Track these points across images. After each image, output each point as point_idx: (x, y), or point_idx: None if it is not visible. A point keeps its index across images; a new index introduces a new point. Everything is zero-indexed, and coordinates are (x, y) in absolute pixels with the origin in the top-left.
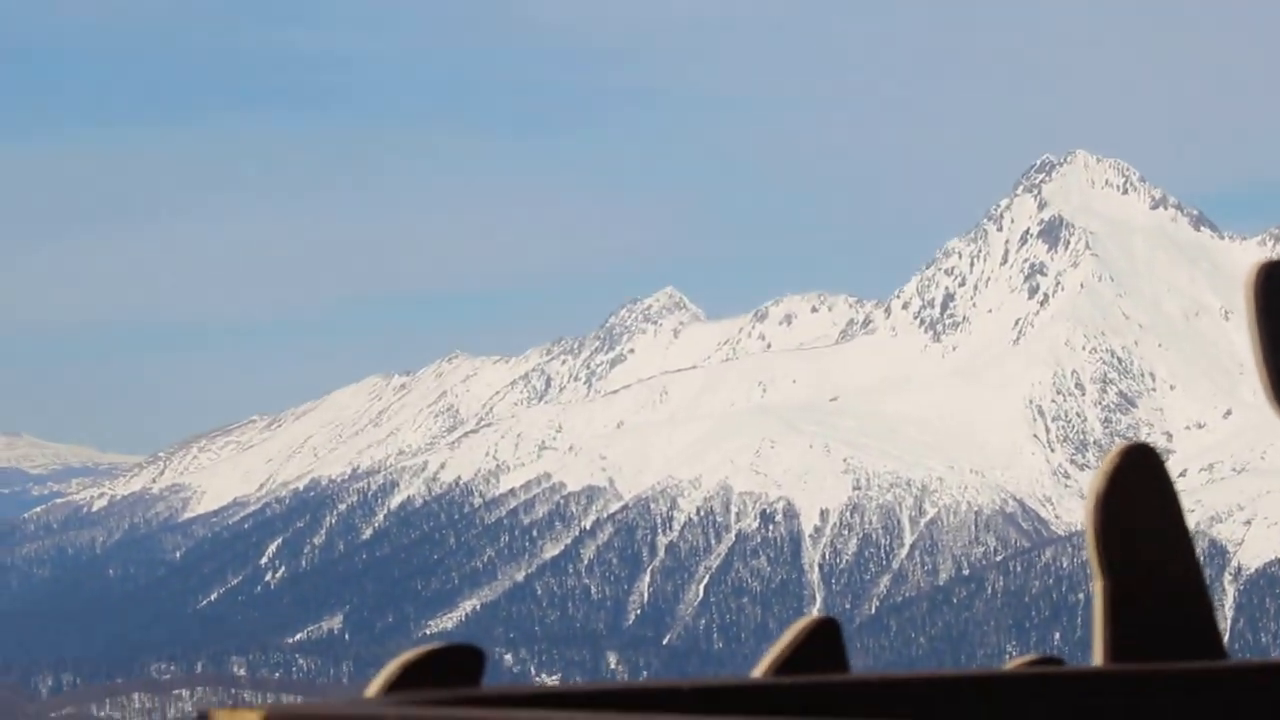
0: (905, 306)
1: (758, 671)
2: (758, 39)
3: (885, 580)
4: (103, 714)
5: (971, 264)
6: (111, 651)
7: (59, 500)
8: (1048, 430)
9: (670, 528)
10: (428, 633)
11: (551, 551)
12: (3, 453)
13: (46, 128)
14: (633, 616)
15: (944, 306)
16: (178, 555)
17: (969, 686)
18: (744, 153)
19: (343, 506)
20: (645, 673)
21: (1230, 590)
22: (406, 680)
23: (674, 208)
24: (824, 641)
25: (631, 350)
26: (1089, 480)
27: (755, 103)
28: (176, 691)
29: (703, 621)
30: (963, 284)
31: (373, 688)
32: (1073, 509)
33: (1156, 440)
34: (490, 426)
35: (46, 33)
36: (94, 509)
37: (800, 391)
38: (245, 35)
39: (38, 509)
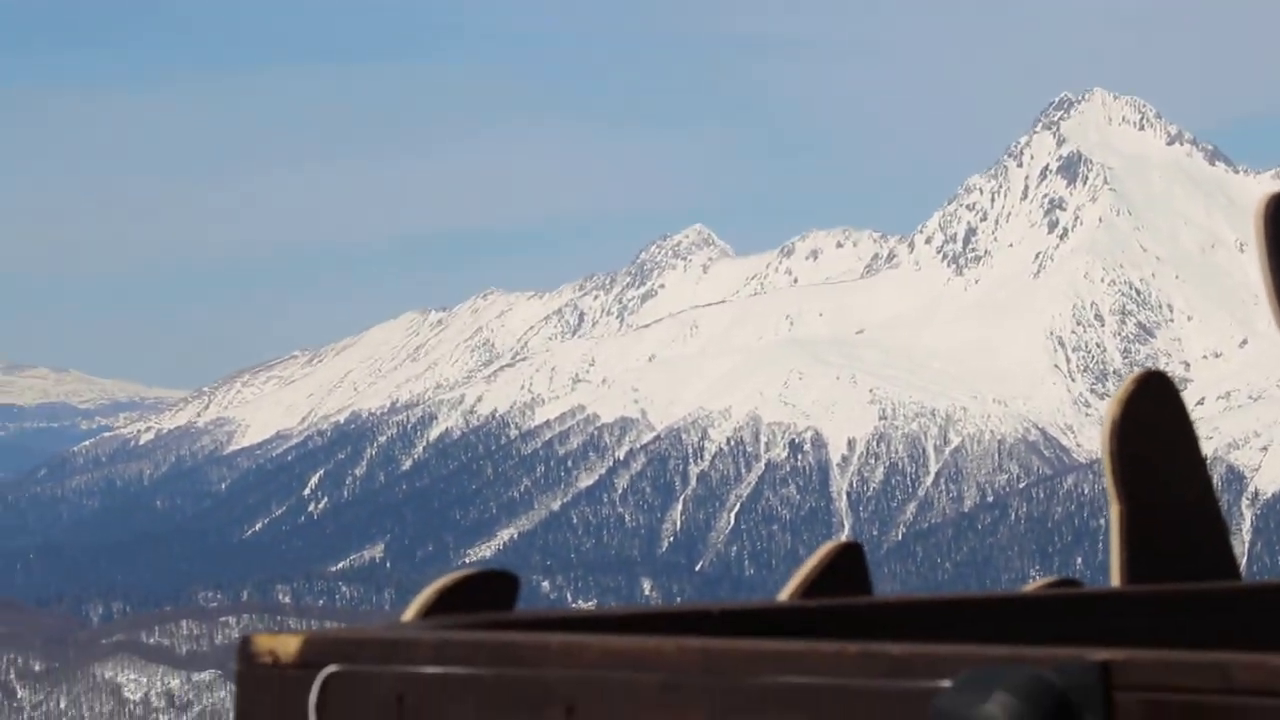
0: (928, 241)
1: (784, 594)
2: None
3: (911, 507)
4: (152, 641)
5: (992, 199)
6: (160, 581)
7: (107, 434)
8: (1068, 360)
9: (701, 457)
10: (467, 560)
11: (586, 481)
12: (52, 388)
13: (91, 77)
14: (666, 544)
15: (966, 241)
16: (223, 487)
17: (990, 608)
18: (771, 92)
19: (383, 439)
20: (679, 598)
21: (1248, 514)
22: (442, 605)
23: (702, 147)
24: (848, 565)
25: (662, 286)
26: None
27: (781, 44)
28: (223, 619)
29: (734, 548)
30: (984, 219)
31: (409, 612)
32: (1094, 437)
33: (1174, 370)
34: (525, 360)
35: None
36: (141, 442)
37: (827, 325)
38: None
39: (86, 443)
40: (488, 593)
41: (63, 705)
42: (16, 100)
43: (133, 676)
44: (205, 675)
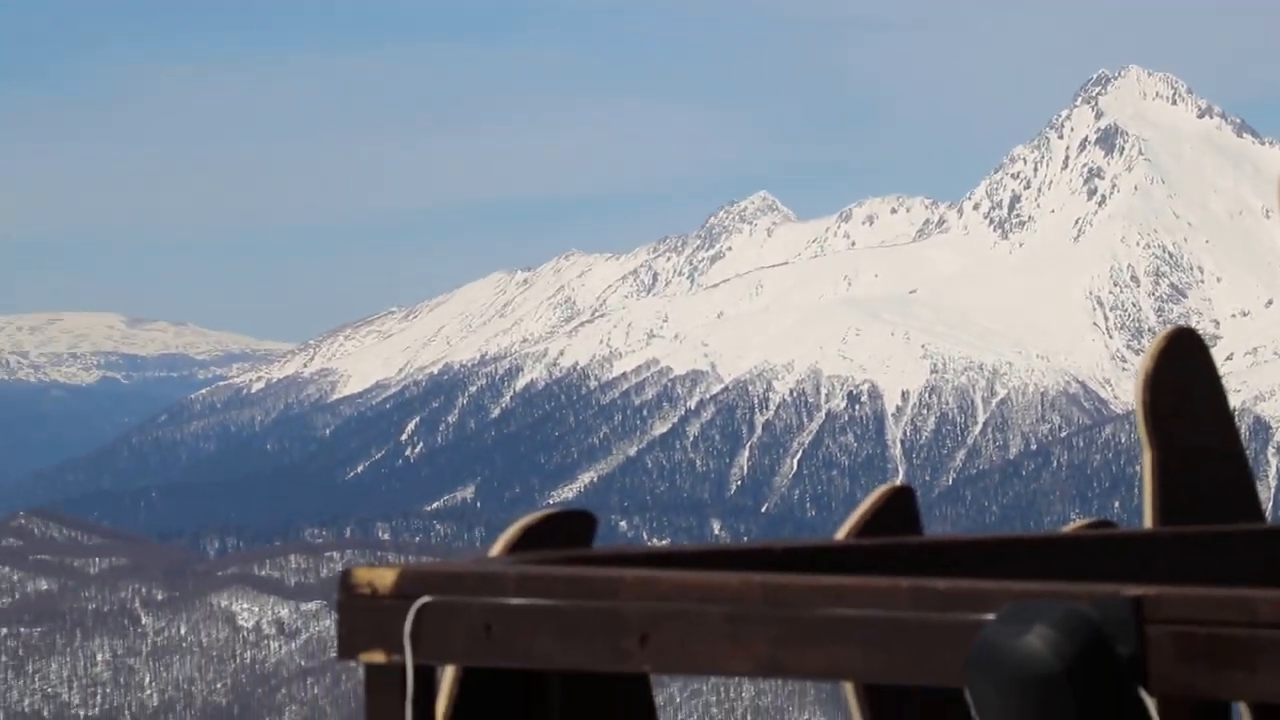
0: (976, 207)
1: (841, 534)
2: None
3: (961, 455)
4: (263, 573)
5: (1035, 169)
6: (270, 518)
7: (221, 383)
8: (1106, 319)
9: (766, 407)
10: (550, 501)
11: (660, 429)
12: (171, 340)
13: (205, 52)
14: (734, 487)
15: (1011, 207)
16: (327, 432)
17: (1032, 547)
18: (829, 69)
19: (473, 389)
20: (745, 537)
21: (1274, 462)
22: (526, 542)
23: (767, 119)
24: (901, 507)
25: (729, 248)
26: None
27: (839, 24)
28: (328, 554)
29: (797, 492)
30: (1028, 187)
31: (496, 549)
32: (1129, 389)
33: (1205, 328)
34: (604, 317)
35: None
36: (253, 391)
37: (882, 285)
38: None
39: (203, 391)
40: (568, 531)
41: (182, 631)
42: (137, 74)
43: (246, 606)
44: (312, 605)
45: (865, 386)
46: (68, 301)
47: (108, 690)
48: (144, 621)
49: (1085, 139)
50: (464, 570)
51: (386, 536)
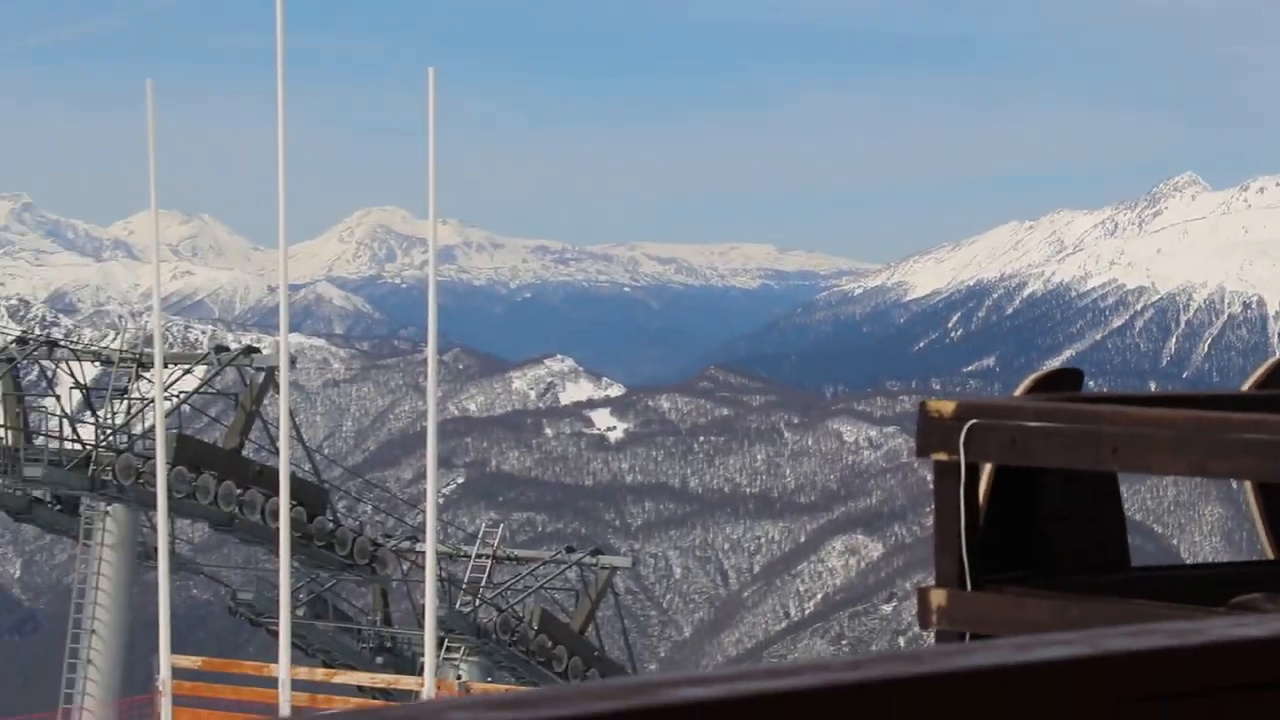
0: None
1: (1243, 388)
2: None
3: None
4: (860, 408)
5: None
6: (865, 374)
7: (835, 289)
8: None
9: (1188, 310)
10: (1047, 366)
11: (1117, 323)
12: (805, 261)
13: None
14: (1165, 361)
15: None
16: (901, 321)
17: None
18: (1238, 80)
19: (995, 295)
20: None
21: None
22: (1037, 387)
23: (1193, 119)
24: None
25: (1166, 208)
26: None
27: (1246, 61)
28: (900, 397)
29: (1207, 365)
30: None
31: (1019, 391)
32: None
33: None
34: (1081, 251)
35: None
36: (855, 294)
37: (1268, 233)
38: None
39: (824, 293)
40: (1064, 381)
41: (809, 443)
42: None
43: (849, 428)
44: (890, 429)
45: (1254, 299)
46: (742, 236)
47: (763, 478)
48: (785, 436)
49: None
50: (999, 404)
51: (938, 387)
